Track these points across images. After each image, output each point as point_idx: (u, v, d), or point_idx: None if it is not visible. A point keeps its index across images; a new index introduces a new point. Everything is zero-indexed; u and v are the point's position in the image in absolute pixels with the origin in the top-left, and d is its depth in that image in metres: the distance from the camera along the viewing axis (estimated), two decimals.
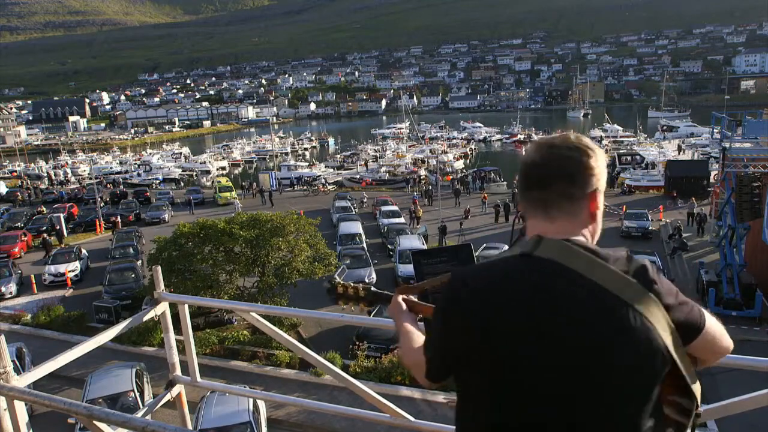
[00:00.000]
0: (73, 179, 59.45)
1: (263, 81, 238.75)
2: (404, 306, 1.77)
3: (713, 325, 1.39)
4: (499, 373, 1.29)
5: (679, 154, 49.89)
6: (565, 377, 1.24)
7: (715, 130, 22.82)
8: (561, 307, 1.26)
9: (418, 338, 1.62)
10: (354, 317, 2.93)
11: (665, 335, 1.27)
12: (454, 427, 1.50)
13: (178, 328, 3.44)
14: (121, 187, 50.39)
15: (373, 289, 2.02)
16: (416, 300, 1.80)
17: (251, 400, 11.54)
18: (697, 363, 1.42)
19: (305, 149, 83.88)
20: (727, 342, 1.44)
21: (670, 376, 1.32)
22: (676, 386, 1.36)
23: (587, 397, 1.24)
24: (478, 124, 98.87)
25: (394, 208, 32.68)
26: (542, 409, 1.26)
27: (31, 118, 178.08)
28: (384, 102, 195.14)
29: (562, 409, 1.25)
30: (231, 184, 45.41)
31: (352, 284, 2.04)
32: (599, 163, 1.39)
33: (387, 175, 49.74)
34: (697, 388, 1.37)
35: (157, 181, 55.52)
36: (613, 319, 1.24)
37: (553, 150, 1.37)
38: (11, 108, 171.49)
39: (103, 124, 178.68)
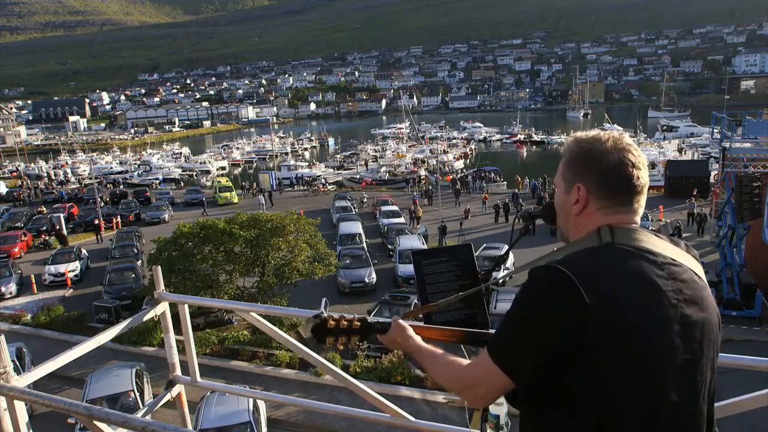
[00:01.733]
0: (73, 179, 59.44)
1: (263, 81, 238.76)
2: (410, 329, 1.71)
3: None
4: (627, 361, 1.26)
5: (680, 155, 49.86)
6: (685, 353, 1.33)
7: (715, 130, 22.80)
8: (666, 286, 1.34)
9: (454, 356, 1.55)
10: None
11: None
12: (453, 427, 1.49)
13: (178, 328, 3.44)
14: (121, 187, 50.39)
15: (368, 319, 1.82)
16: (417, 324, 1.77)
17: (251, 400, 11.54)
18: None
19: (305, 149, 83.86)
20: None
21: None
22: None
23: (704, 369, 1.36)
24: (478, 124, 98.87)
25: (394, 208, 32.66)
26: (671, 390, 1.30)
27: (31, 118, 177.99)
28: (384, 102, 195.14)
29: (689, 387, 1.33)
30: (231, 184, 45.42)
31: (345, 316, 1.81)
32: None
33: (387, 175, 49.74)
34: None
35: (157, 181, 55.51)
36: (699, 287, 1.39)
37: (643, 155, 1.48)
38: (11, 108, 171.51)
39: (103, 124, 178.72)
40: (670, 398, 1.30)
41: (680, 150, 52.67)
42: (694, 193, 28.56)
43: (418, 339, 1.68)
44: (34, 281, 23.18)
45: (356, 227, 28.09)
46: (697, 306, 1.36)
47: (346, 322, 1.80)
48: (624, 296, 1.28)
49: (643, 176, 1.46)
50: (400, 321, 1.74)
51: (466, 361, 1.51)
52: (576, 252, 1.41)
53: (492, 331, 1.80)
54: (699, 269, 1.44)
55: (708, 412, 1.39)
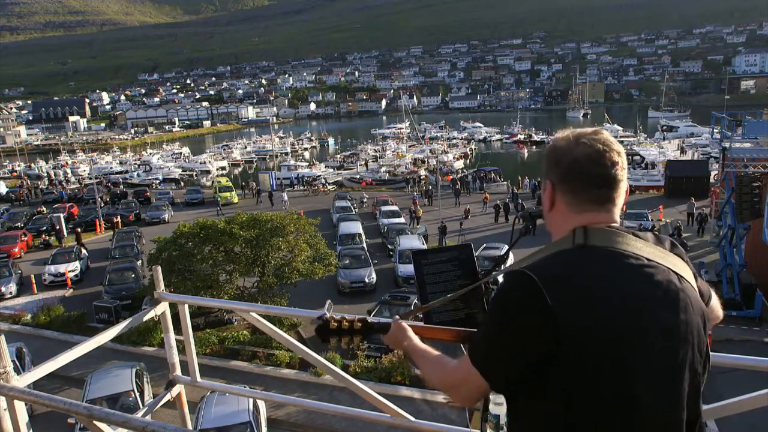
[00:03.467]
0: (73, 179, 59.45)
1: (263, 81, 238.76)
2: (410, 330, 1.73)
3: (715, 295, 1.60)
4: (597, 364, 1.26)
5: (681, 155, 49.84)
6: (657, 353, 1.31)
7: (715, 130, 22.80)
8: (636, 288, 1.32)
9: (444, 357, 1.57)
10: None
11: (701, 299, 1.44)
12: (453, 427, 1.49)
13: (178, 328, 3.44)
14: (121, 187, 50.40)
15: (369, 320, 1.87)
16: (417, 324, 1.78)
17: (251, 400, 11.54)
18: None
19: (305, 149, 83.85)
20: (720, 312, 1.64)
21: None
22: None
23: (674, 365, 1.34)
24: (478, 124, 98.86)
25: (394, 208, 32.66)
26: (645, 393, 1.29)
27: (31, 118, 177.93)
28: (384, 102, 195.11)
29: (658, 383, 1.31)
30: (231, 184, 45.44)
31: (347, 317, 1.87)
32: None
33: (387, 175, 49.74)
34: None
35: (157, 181, 55.52)
36: (675, 289, 1.36)
37: (616, 147, 1.43)
38: (11, 108, 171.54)
39: (103, 124, 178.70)
40: (644, 401, 1.29)
41: (682, 150, 52.63)
42: (693, 201, 28.64)
43: (415, 339, 1.70)
44: (34, 281, 23.18)
45: (356, 227, 28.09)
46: (670, 308, 1.34)
47: (347, 323, 1.83)
48: (592, 301, 1.27)
49: (610, 172, 1.40)
50: (400, 321, 1.75)
51: (454, 361, 1.54)
52: (548, 255, 1.40)
53: None
54: (683, 269, 1.41)
55: (692, 414, 1.38)
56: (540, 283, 1.28)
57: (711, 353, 2.13)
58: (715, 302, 1.59)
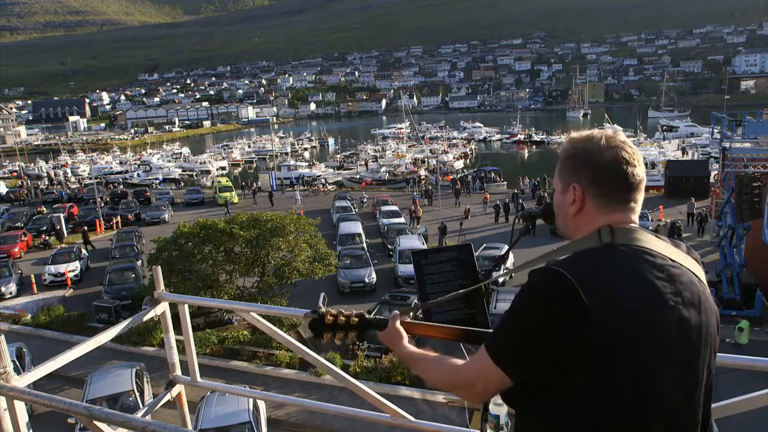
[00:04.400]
0: (73, 179, 59.46)
1: (263, 81, 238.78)
2: (404, 331, 1.72)
3: None
4: (627, 361, 1.26)
5: (682, 155, 49.78)
6: (683, 354, 1.34)
7: (715, 130, 22.80)
8: (666, 287, 1.34)
9: (446, 357, 1.56)
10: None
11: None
12: (453, 427, 1.49)
13: (178, 328, 3.44)
14: (121, 187, 50.39)
15: (366, 315, 1.83)
16: (412, 321, 1.77)
17: (251, 400, 11.54)
18: None
19: (305, 149, 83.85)
20: None
21: None
22: None
23: (700, 370, 1.37)
24: (478, 124, 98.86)
25: (394, 208, 32.66)
26: (666, 390, 1.32)
27: (31, 118, 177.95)
28: (384, 102, 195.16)
29: (683, 387, 1.35)
30: (231, 184, 45.46)
31: (343, 312, 1.82)
32: None
33: (387, 175, 49.74)
34: None
35: (157, 181, 55.52)
36: (698, 290, 1.39)
37: (638, 152, 1.47)
38: (11, 108, 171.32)
39: (103, 124, 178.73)
40: (665, 397, 1.31)
41: (683, 150, 52.55)
42: (694, 201, 28.64)
43: (407, 345, 1.69)
44: (34, 281, 23.17)
45: (356, 227, 28.09)
46: (695, 308, 1.36)
47: (343, 318, 1.80)
48: (622, 298, 1.28)
49: (639, 173, 1.45)
50: (397, 324, 1.73)
51: (458, 360, 1.53)
52: (576, 253, 1.40)
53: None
54: (699, 271, 1.44)
55: (703, 413, 1.41)
56: (574, 281, 1.27)
57: None
58: None
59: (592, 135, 1.48)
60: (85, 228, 30.92)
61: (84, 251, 26.62)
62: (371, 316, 1.84)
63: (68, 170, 63.59)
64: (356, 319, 1.81)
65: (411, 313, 1.81)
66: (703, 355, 1.38)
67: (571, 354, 1.27)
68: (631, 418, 1.29)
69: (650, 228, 27.30)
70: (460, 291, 1.85)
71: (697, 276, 1.42)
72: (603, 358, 1.26)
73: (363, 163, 57.72)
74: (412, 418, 2.87)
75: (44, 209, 38.26)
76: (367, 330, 1.83)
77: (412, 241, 24.10)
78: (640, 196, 1.48)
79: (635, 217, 1.47)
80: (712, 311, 1.41)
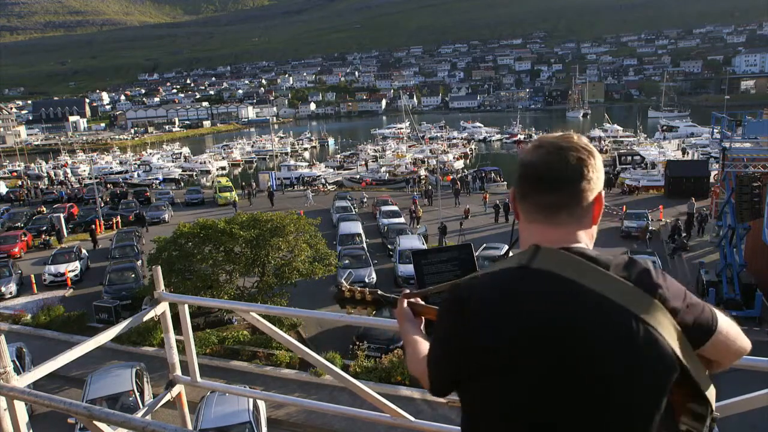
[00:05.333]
0: (73, 179, 59.47)
1: (263, 81, 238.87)
2: (410, 312, 1.73)
3: (726, 326, 1.35)
4: (504, 388, 1.24)
5: (683, 155, 49.77)
6: (572, 391, 1.20)
7: (715, 130, 22.81)
8: (564, 321, 1.21)
9: (424, 348, 1.57)
10: (353, 317, 2.94)
11: (672, 341, 1.23)
12: (453, 427, 1.50)
13: (178, 328, 3.44)
14: (125, 188, 50.33)
15: (380, 292, 2.03)
16: (422, 303, 1.77)
17: (251, 400, 11.54)
18: (712, 365, 1.38)
19: (305, 149, 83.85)
20: (743, 343, 1.39)
21: (682, 382, 1.28)
22: (689, 392, 1.31)
23: (594, 410, 1.21)
24: (478, 124, 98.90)
25: (394, 208, 32.67)
26: (549, 424, 1.22)
27: (31, 118, 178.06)
28: (384, 102, 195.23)
29: (568, 423, 1.21)
30: (231, 184, 45.45)
31: (358, 289, 2.04)
32: (601, 163, 1.38)
33: (387, 175, 49.74)
34: (711, 392, 1.33)
35: (157, 181, 55.53)
36: (617, 329, 1.20)
37: (564, 151, 1.31)
38: (11, 108, 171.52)
39: (103, 124, 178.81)
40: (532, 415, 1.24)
41: (683, 151, 52.55)
42: (694, 201, 28.65)
43: (411, 325, 1.70)
44: (34, 281, 23.17)
45: (356, 227, 28.09)
46: (606, 351, 1.20)
47: (359, 294, 2.05)
48: (506, 327, 1.23)
49: (558, 172, 1.30)
50: (404, 304, 1.74)
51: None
52: (492, 272, 1.35)
53: None
54: (647, 308, 1.23)
55: None
56: (467, 302, 1.29)
57: None
58: (725, 334, 1.34)
59: (534, 139, 1.48)
60: (93, 227, 31.34)
61: (84, 251, 26.63)
62: (383, 294, 2.05)
63: (68, 170, 63.61)
64: (370, 297, 2.04)
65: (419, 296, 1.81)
66: (603, 390, 1.20)
67: (459, 370, 1.33)
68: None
69: (651, 228, 27.38)
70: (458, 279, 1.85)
71: (634, 314, 1.21)
72: (476, 380, 1.29)
73: (363, 163, 57.73)
74: (412, 418, 2.87)
75: (44, 209, 38.26)
76: (381, 306, 2.08)
77: (412, 241, 24.11)
78: (569, 204, 1.31)
79: (567, 234, 1.32)
80: (625, 341, 1.20)
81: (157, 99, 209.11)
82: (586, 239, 1.35)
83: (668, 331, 1.23)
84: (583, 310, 1.22)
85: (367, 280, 21.28)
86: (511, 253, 1.45)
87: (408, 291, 1.78)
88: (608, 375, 1.20)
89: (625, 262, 1.29)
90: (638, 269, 1.28)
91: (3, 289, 22.38)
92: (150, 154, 75.08)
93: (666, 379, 1.23)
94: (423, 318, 1.75)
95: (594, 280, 1.24)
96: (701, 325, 1.31)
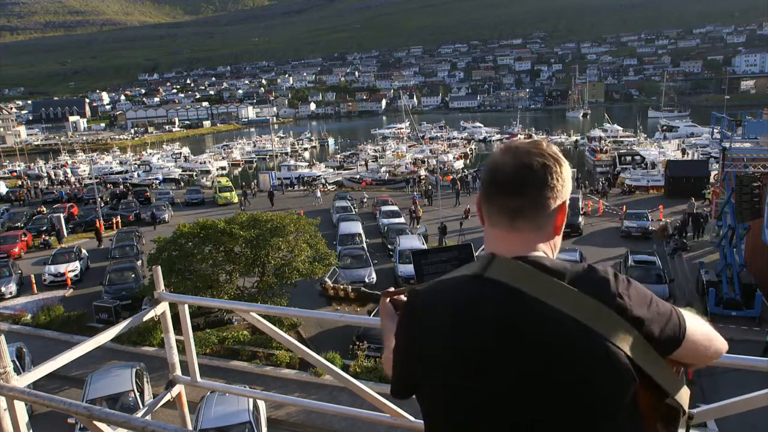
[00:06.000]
0: (73, 179, 59.48)
1: (263, 81, 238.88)
2: (391, 309, 1.73)
3: (696, 332, 1.30)
4: (448, 398, 1.29)
5: (683, 155, 49.76)
6: (517, 403, 1.20)
7: (715, 130, 22.81)
8: (511, 332, 1.20)
9: None
10: (353, 317, 2.95)
11: (630, 352, 1.19)
12: None
13: (178, 328, 3.44)
14: (122, 187, 50.34)
15: (362, 290, 1.98)
16: (404, 299, 1.77)
17: (251, 400, 11.54)
18: (687, 366, 1.36)
19: (305, 149, 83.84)
20: (717, 346, 1.36)
21: (649, 386, 1.25)
22: (659, 396, 1.29)
23: (546, 422, 1.19)
24: (478, 124, 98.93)
25: (394, 208, 32.67)
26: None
27: (31, 118, 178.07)
28: (384, 102, 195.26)
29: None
30: (231, 184, 45.44)
31: (341, 286, 2.00)
32: (568, 173, 1.35)
33: (387, 175, 49.75)
34: (682, 394, 1.30)
35: (157, 181, 55.54)
36: (568, 341, 1.18)
37: (531, 156, 1.29)
38: (11, 108, 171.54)
39: (103, 124, 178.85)
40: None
41: (683, 151, 52.53)
42: (694, 201, 28.67)
43: (391, 324, 1.67)
44: (34, 281, 23.17)
45: (356, 227, 28.09)
46: (546, 360, 1.18)
47: (342, 291, 1.88)
48: (452, 334, 1.26)
49: (517, 175, 1.29)
50: (386, 301, 1.75)
51: None
52: (450, 277, 1.36)
53: None
54: (603, 322, 1.19)
55: None
56: (419, 308, 1.35)
57: None
58: (695, 339, 1.30)
59: (503, 144, 1.47)
60: (99, 225, 31.57)
61: (84, 251, 26.64)
62: (367, 291, 1.91)
63: (68, 170, 63.62)
64: (353, 294, 1.89)
65: (401, 293, 1.80)
66: (552, 402, 1.19)
67: (409, 372, 1.38)
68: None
69: (651, 228, 27.36)
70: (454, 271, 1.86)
71: (585, 326, 1.18)
72: (426, 379, 1.33)
73: (363, 163, 57.74)
74: (412, 418, 2.87)
75: (44, 209, 38.26)
76: (366, 303, 1.94)
77: (412, 241, 24.11)
78: (528, 209, 1.29)
79: (527, 243, 1.31)
80: (577, 354, 1.18)
81: (157, 99, 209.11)
82: (546, 249, 1.33)
83: (625, 342, 1.19)
84: (531, 322, 1.20)
85: (367, 280, 21.26)
86: None
87: (391, 289, 1.78)
88: (563, 388, 1.18)
89: (581, 272, 1.25)
90: (595, 279, 1.24)
91: (3, 289, 22.37)
92: (150, 154, 75.13)
93: (620, 391, 1.19)
94: None
95: (545, 292, 1.21)
96: (668, 335, 1.26)
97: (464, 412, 1.26)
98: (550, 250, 1.34)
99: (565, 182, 1.32)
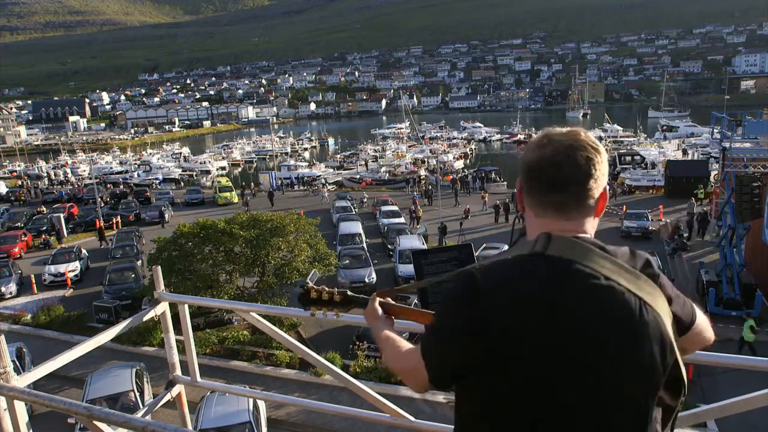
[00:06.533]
0: (73, 179, 59.48)
1: (263, 81, 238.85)
2: (380, 311, 1.73)
3: (702, 319, 1.46)
4: (519, 374, 1.26)
5: (684, 156, 49.74)
6: (587, 375, 1.25)
7: (715, 130, 22.81)
8: (579, 305, 1.26)
9: (403, 343, 1.57)
10: (353, 317, 2.94)
11: (670, 327, 1.31)
12: (453, 427, 1.48)
13: (178, 328, 3.44)
14: (122, 187, 50.34)
15: (349, 293, 1.91)
16: (393, 302, 1.77)
17: (251, 400, 11.53)
18: (681, 352, 1.44)
19: (305, 149, 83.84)
20: (710, 334, 1.50)
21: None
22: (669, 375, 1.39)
23: (610, 391, 1.26)
24: (478, 124, 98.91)
25: (394, 208, 32.67)
26: (567, 408, 1.26)
27: (31, 118, 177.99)
28: (384, 102, 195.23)
29: (585, 405, 1.26)
30: (231, 184, 45.44)
31: (326, 289, 1.91)
32: (606, 156, 1.41)
33: (387, 175, 49.74)
34: (684, 376, 1.40)
35: (157, 181, 55.54)
36: (629, 313, 1.27)
37: (574, 151, 1.34)
38: (11, 108, 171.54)
39: (103, 124, 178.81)
40: (558, 406, 1.26)
41: (683, 152, 52.53)
42: (694, 201, 28.67)
43: (383, 323, 1.70)
44: (34, 281, 23.16)
45: (356, 227, 28.09)
46: (619, 334, 1.26)
47: (327, 294, 1.88)
48: (528, 312, 1.25)
49: (568, 173, 1.33)
50: (375, 304, 1.74)
51: (409, 348, 1.54)
52: (504, 259, 1.36)
53: None
54: (650, 293, 1.31)
55: None
56: (482, 287, 1.29)
57: (711, 353, 2.11)
58: (700, 327, 1.45)
59: (539, 134, 1.47)
60: (102, 225, 31.59)
61: (84, 251, 26.63)
62: (354, 294, 1.91)
63: (68, 170, 63.61)
64: (339, 297, 1.89)
65: (392, 294, 1.81)
66: (625, 384, 1.26)
67: (467, 359, 1.30)
68: (523, 421, 1.29)
69: (651, 228, 27.38)
70: (451, 273, 1.85)
71: (641, 299, 1.28)
72: (496, 368, 1.28)
73: (363, 163, 57.74)
74: (412, 418, 2.87)
75: (44, 209, 38.25)
76: (351, 307, 1.92)
77: (412, 241, 24.10)
78: (580, 200, 1.35)
79: (578, 225, 1.36)
80: (654, 339, 1.27)
81: (157, 99, 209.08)
82: (591, 231, 1.40)
83: (667, 318, 1.32)
84: (596, 296, 1.27)
85: (367, 280, 21.29)
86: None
87: (381, 290, 1.79)
88: (619, 358, 1.25)
89: (628, 252, 1.37)
90: (641, 259, 1.36)
91: (3, 289, 22.36)
92: (150, 154, 75.10)
93: (669, 361, 1.30)
94: (393, 317, 1.75)
95: (606, 267, 1.29)
96: (685, 316, 1.41)
97: (537, 388, 1.25)
98: (592, 231, 1.41)
99: (605, 168, 1.39)
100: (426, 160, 55.99)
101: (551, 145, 1.37)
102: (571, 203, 1.35)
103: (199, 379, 3.54)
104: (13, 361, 3.29)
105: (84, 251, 26.66)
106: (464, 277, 1.34)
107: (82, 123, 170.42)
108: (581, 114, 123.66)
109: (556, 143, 1.36)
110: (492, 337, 1.26)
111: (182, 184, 56.17)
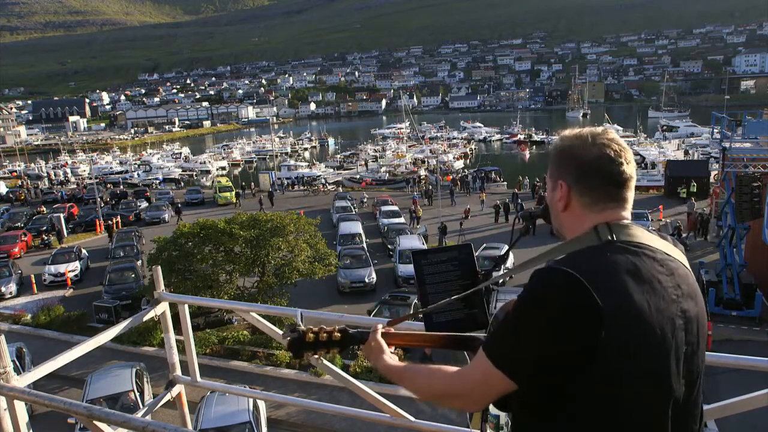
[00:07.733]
0: (73, 179, 59.46)
1: (263, 81, 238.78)
2: (385, 345, 1.69)
3: None
4: (636, 363, 1.25)
5: (684, 156, 49.72)
6: (689, 349, 1.36)
7: (715, 130, 22.80)
8: (671, 282, 1.36)
9: (432, 366, 1.50)
10: (353, 317, 2.94)
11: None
12: (453, 427, 1.48)
13: (178, 328, 3.44)
14: (121, 187, 50.34)
15: (351, 331, 1.74)
16: (393, 331, 1.75)
17: (251, 400, 11.54)
18: None
19: (305, 149, 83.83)
20: None
21: None
22: None
23: (699, 362, 1.40)
24: (478, 124, 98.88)
25: (394, 208, 32.66)
26: (675, 385, 1.32)
27: (31, 118, 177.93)
28: (384, 102, 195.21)
29: (688, 380, 1.36)
30: (231, 184, 45.44)
31: (324, 328, 1.72)
32: None
33: (387, 175, 49.74)
34: None
35: (157, 181, 55.53)
36: (692, 279, 1.43)
37: (623, 149, 1.45)
38: (11, 108, 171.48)
39: (103, 124, 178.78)
40: (674, 393, 1.32)
41: (684, 152, 52.50)
42: (694, 201, 28.65)
43: (390, 359, 1.65)
44: (34, 281, 23.17)
45: (356, 227, 28.09)
46: (692, 300, 1.39)
47: (325, 334, 1.71)
48: (630, 295, 1.26)
49: (627, 170, 1.43)
50: (378, 337, 1.69)
51: (449, 368, 1.47)
52: (577, 251, 1.37)
53: (481, 334, 1.80)
54: (687, 263, 1.48)
55: (701, 404, 1.45)
56: (583, 280, 1.23)
57: (711, 353, 2.12)
58: None
59: (581, 132, 1.48)
60: (109, 222, 32.00)
61: (84, 251, 26.64)
62: (354, 330, 1.78)
63: (68, 170, 63.61)
64: (338, 335, 1.72)
65: (398, 323, 1.80)
66: (702, 345, 1.41)
67: (582, 356, 1.23)
68: (641, 418, 1.28)
69: (650, 228, 27.27)
70: (463, 293, 1.84)
71: (687, 268, 1.46)
72: (616, 358, 1.23)
73: (363, 163, 57.73)
74: (412, 418, 2.87)
75: (44, 209, 38.25)
76: (350, 345, 1.76)
77: (412, 241, 24.10)
78: (630, 194, 1.47)
79: (627, 214, 1.46)
80: (702, 302, 1.45)
81: (157, 99, 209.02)
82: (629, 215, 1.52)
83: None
84: (674, 272, 1.39)
85: (367, 280, 21.29)
86: (511, 254, 1.47)
87: (378, 326, 1.77)
88: (703, 324, 1.41)
89: (665, 232, 1.55)
90: (668, 236, 1.52)
91: (3, 289, 22.37)
92: (150, 154, 75.11)
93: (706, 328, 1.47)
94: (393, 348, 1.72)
95: (667, 248, 1.44)
96: None
97: (653, 374, 1.29)
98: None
99: None
100: (426, 160, 55.99)
101: (601, 144, 1.44)
102: (627, 195, 1.46)
103: (199, 379, 3.54)
104: (13, 361, 3.29)
105: (84, 251, 26.67)
106: (558, 274, 1.27)
107: (82, 123, 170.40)
108: (581, 114, 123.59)
109: (604, 142, 1.45)
110: (611, 326, 1.22)
111: (182, 184, 56.17)
